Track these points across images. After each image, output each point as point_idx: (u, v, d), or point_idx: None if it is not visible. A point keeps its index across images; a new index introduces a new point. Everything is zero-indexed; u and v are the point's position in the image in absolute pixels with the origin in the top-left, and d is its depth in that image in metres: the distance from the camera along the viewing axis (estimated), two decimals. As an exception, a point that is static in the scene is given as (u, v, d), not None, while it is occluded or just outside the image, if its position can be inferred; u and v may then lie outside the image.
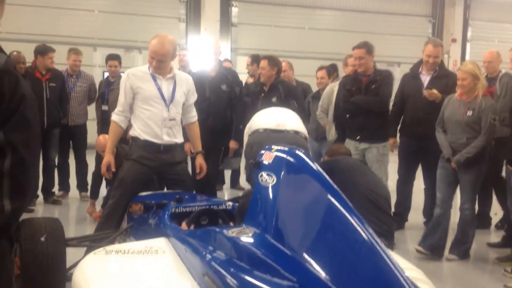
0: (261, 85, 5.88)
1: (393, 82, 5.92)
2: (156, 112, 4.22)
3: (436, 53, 5.81)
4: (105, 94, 7.17)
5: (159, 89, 4.23)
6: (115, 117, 4.30)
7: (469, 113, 4.93)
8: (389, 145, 6.12)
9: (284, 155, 2.71)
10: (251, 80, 7.87)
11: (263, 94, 5.79)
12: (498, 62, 5.99)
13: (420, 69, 5.95)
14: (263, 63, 5.77)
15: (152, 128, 4.22)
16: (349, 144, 5.72)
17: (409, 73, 6.11)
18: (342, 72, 6.83)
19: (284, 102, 5.47)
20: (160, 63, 4.19)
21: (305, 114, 5.93)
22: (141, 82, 4.23)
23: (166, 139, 4.26)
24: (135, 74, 4.28)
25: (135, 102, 4.25)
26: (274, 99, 5.59)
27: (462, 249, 5.11)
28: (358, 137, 5.71)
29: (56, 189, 7.27)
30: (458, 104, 5.01)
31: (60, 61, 7.59)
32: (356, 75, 5.84)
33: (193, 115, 4.60)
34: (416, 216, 6.32)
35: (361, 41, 5.80)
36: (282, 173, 2.61)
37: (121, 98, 4.28)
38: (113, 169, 4.32)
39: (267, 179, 2.65)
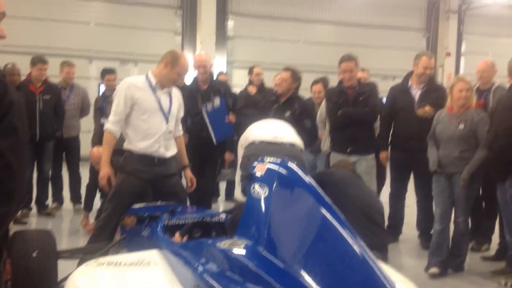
0: (277, 96, 5.70)
1: (378, 93, 5.90)
2: (155, 125, 4.21)
3: (432, 64, 5.88)
4: (103, 108, 7.16)
5: (159, 102, 4.23)
6: (110, 127, 4.21)
7: (461, 126, 4.92)
8: (382, 158, 6.11)
9: (276, 167, 2.71)
10: (253, 90, 7.80)
11: (276, 105, 5.60)
12: (492, 73, 5.82)
13: (410, 82, 5.95)
14: (286, 74, 5.55)
15: (150, 141, 4.20)
16: (337, 157, 5.62)
17: (399, 87, 6.11)
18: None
19: (297, 119, 5.30)
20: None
21: (316, 135, 5.80)
22: (142, 93, 4.20)
23: (161, 151, 4.25)
24: (136, 85, 4.24)
25: (133, 113, 4.20)
26: (287, 114, 5.40)
27: (456, 262, 5.10)
28: (349, 149, 5.61)
29: (49, 201, 7.23)
30: (449, 119, 5.01)
31: (55, 73, 7.60)
32: (341, 87, 5.75)
33: (180, 128, 4.62)
34: (409, 229, 6.31)
35: (346, 54, 5.69)
36: (274, 185, 2.61)
37: (118, 108, 4.18)
38: (113, 182, 4.25)
39: (259, 191, 2.65)
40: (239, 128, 5.71)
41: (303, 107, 5.56)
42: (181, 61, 4.25)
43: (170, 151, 4.35)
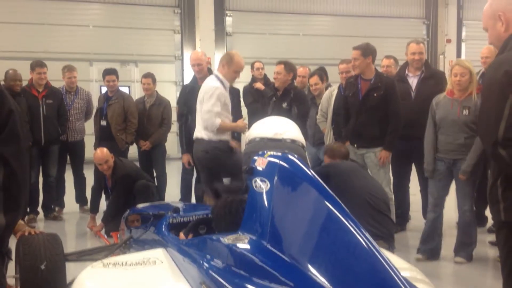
0: (275, 89, 5.93)
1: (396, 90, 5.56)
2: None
3: (420, 49, 5.82)
4: (103, 109, 7.15)
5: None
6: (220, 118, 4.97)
7: (465, 112, 4.82)
8: None
9: (277, 160, 2.70)
10: (261, 86, 7.76)
11: (274, 99, 5.82)
12: None
13: (407, 71, 5.93)
14: (279, 67, 5.84)
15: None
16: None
17: (396, 77, 6.06)
18: (337, 77, 6.78)
19: (291, 108, 5.57)
20: None
21: (304, 121, 5.87)
22: (227, 97, 5.05)
23: None
24: (224, 90, 4.99)
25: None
26: (284, 105, 5.67)
27: (468, 251, 5.03)
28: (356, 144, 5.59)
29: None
30: (451, 104, 4.89)
31: (57, 77, 7.62)
32: (355, 79, 5.56)
33: None
34: (417, 217, 6.29)
35: (363, 42, 5.52)
36: (276, 178, 2.60)
37: (216, 108, 4.94)
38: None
39: (261, 185, 2.64)
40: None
41: (295, 96, 5.78)
42: (235, 59, 4.96)
43: None
